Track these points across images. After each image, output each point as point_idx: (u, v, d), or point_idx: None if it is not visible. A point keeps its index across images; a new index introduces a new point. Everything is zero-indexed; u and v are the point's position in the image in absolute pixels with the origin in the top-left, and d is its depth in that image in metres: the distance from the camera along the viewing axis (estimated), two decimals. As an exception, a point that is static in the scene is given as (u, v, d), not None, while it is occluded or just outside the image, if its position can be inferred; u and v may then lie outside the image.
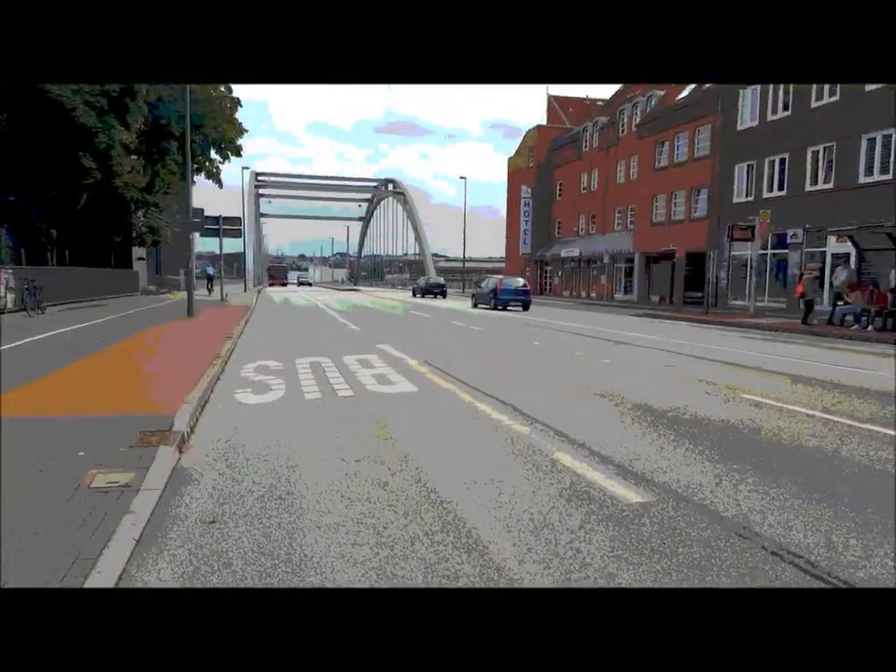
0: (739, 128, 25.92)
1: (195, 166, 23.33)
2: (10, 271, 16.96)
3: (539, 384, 8.00)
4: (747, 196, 25.71)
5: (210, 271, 40.31)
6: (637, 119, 34.95)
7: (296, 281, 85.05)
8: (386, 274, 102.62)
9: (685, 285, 32.76)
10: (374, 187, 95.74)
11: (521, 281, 27.51)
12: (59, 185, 18.70)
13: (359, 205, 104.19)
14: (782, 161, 23.83)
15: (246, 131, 24.62)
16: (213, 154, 23.67)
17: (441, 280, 43.98)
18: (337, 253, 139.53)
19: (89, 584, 2.78)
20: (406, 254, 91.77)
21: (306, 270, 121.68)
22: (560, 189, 44.88)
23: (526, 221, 47.25)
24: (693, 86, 30.56)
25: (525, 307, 25.25)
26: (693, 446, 5.08)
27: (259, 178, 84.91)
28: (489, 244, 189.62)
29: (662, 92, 33.64)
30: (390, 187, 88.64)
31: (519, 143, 50.29)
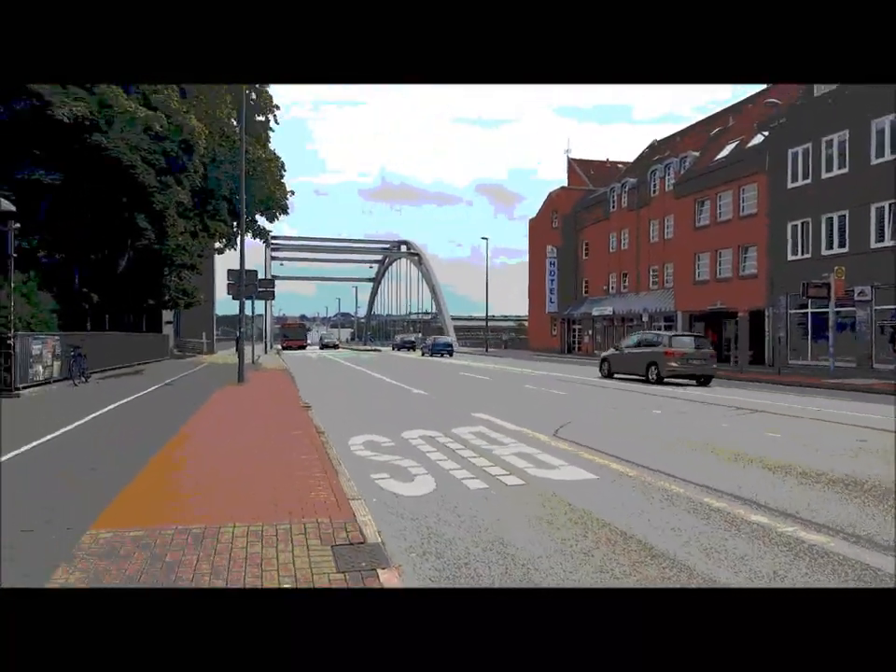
0: (790, 186, 25.52)
1: (229, 231, 22.70)
2: (57, 338, 16.04)
3: (733, 465, 6.82)
4: (803, 253, 25.06)
5: (238, 334, 41.13)
6: (671, 179, 34.85)
7: (318, 343, 71.30)
8: (395, 335, 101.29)
9: (730, 345, 31.83)
10: (386, 248, 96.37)
11: (449, 339, 46.09)
12: (108, 246, 17.94)
13: (370, 266, 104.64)
14: (841, 219, 23.25)
15: (293, 192, 24.15)
16: (259, 216, 23.00)
17: (412, 337, 59.86)
18: (338, 313, 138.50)
19: None
20: (409, 314, 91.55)
21: (321, 329, 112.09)
22: (587, 249, 44.61)
23: (552, 280, 46.78)
24: (733, 145, 30.51)
25: (451, 355, 41.05)
26: None
27: (273, 241, 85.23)
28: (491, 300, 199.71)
29: (696, 153, 33.63)
30: (403, 248, 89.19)
31: (541, 204, 50.50)
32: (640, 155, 44.52)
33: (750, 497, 5.44)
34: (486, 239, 52.34)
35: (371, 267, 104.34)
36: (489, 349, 54.84)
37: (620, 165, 51.22)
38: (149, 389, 15.09)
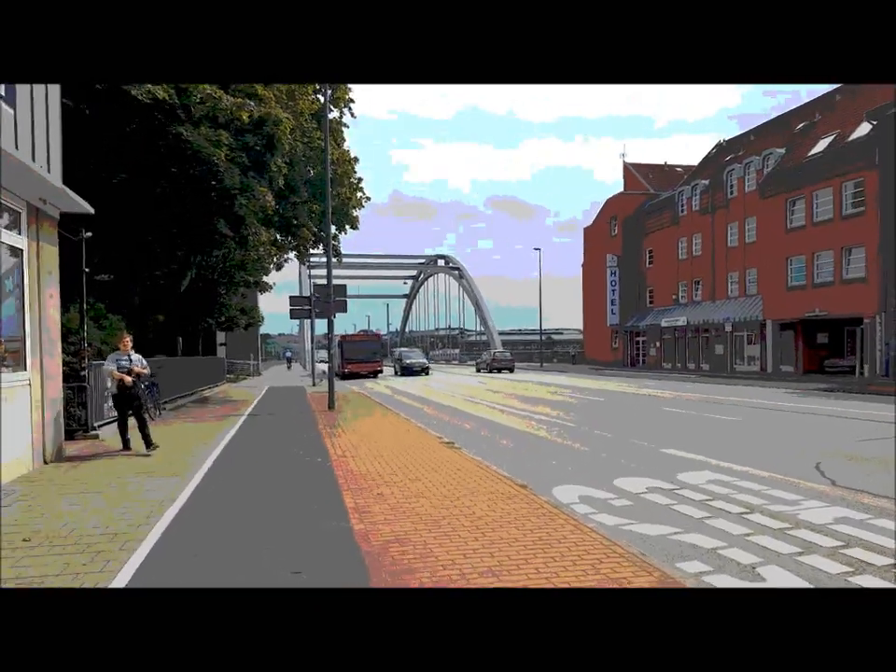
0: (907, 178, 23.03)
1: (312, 240, 20.95)
2: (130, 366, 14.24)
3: None
4: (926, 252, 22.51)
5: (288, 354, 40.86)
6: (751, 179, 32.45)
7: (396, 364, 42.07)
8: (430, 351, 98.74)
9: (827, 353, 29.24)
10: (422, 263, 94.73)
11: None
12: (177, 260, 16.25)
13: (405, 282, 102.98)
14: (977, 212, 20.71)
15: (368, 198, 22.05)
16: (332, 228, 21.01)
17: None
18: (361, 330, 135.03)
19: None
20: (438, 329, 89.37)
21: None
22: (651, 256, 42.20)
23: (613, 291, 44.41)
24: (829, 139, 28.08)
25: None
26: None
27: (313, 259, 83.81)
28: (521, 313, 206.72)
29: (782, 150, 31.22)
30: (441, 262, 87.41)
31: (598, 211, 48.34)
32: (707, 156, 42.16)
33: None
34: (539, 250, 50.39)
35: (405, 283, 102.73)
36: (543, 364, 52.56)
37: (678, 169, 48.90)
38: (239, 423, 13.27)
